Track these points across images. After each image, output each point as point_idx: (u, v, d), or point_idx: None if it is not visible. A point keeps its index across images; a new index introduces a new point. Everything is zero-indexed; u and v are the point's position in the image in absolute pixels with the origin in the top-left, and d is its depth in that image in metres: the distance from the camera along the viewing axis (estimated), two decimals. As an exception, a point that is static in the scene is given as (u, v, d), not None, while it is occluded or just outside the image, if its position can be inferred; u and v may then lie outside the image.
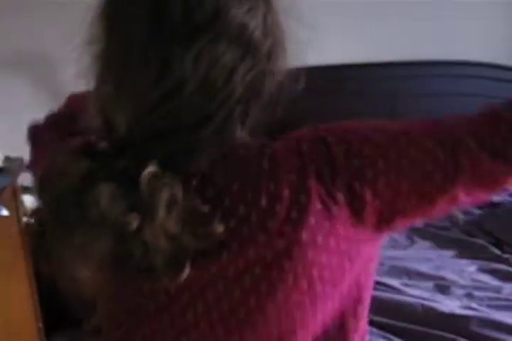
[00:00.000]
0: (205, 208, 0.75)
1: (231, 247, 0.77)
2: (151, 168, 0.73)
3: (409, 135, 0.81)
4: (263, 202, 0.76)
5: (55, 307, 2.68)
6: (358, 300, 0.88)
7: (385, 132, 0.82)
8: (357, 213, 0.78)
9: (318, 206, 0.76)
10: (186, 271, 0.75)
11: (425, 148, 0.79)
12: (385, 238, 0.87)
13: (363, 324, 0.94)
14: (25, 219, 2.39)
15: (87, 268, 0.82)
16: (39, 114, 2.84)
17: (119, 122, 0.77)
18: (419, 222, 0.86)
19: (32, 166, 1.11)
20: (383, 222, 0.80)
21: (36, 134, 1.17)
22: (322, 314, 0.82)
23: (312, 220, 0.76)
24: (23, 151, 2.32)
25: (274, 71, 0.83)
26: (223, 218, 0.76)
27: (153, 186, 0.73)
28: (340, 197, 0.77)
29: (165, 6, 0.74)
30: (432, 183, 0.78)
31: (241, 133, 0.82)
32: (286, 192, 0.76)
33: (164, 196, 0.73)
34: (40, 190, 0.80)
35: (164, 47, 0.75)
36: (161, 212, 0.72)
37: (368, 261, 0.85)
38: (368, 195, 0.77)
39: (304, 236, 0.76)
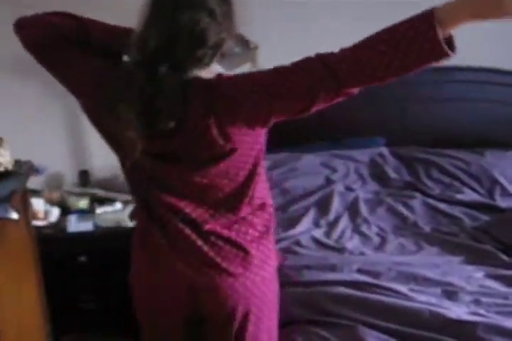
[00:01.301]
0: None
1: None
2: (164, 68, 1.42)
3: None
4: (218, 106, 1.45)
5: (65, 311, 2.69)
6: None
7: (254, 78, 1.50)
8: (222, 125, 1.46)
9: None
10: (172, 123, 1.44)
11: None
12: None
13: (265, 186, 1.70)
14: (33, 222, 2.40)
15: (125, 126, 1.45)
16: (48, 116, 2.83)
17: (151, 46, 1.42)
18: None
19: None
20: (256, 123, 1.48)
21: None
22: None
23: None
24: (32, 154, 2.34)
25: (226, 45, 1.53)
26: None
27: (162, 78, 1.42)
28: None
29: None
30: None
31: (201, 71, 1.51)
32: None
33: (168, 82, 1.42)
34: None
35: (173, 16, 1.42)
36: (164, 95, 1.42)
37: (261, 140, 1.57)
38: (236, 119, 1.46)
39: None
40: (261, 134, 1.56)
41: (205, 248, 1.61)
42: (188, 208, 1.61)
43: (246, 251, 1.63)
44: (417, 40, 1.34)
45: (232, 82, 1.48)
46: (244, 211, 1.64)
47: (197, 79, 1.49)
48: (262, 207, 1.68)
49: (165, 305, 1.75)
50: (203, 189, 1.59)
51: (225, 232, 1.62)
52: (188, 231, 1.61)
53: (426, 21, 1.35)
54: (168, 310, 1.77)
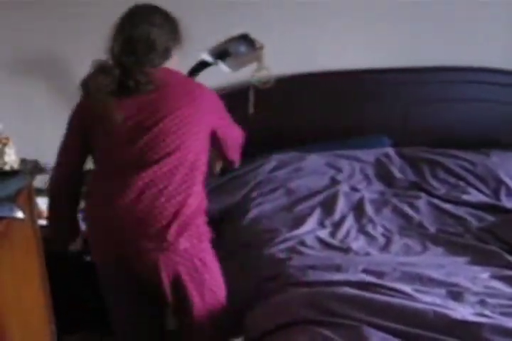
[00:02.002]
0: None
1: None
2: (129, 63, 2.05)
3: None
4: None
5: (69, 311, 2.70)
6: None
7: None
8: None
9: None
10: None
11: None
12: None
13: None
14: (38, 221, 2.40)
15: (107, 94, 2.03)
16: (55, 116, 2.84)
17: (116, 52, 2.06)
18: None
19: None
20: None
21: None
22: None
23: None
24: (38, 154, 2.34)
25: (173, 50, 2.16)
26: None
27: (130, 71, 2.03)
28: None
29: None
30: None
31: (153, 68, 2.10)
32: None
33: (134, 71, 2.04)
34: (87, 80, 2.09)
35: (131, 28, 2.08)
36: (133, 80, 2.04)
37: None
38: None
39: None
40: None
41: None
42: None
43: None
44: None
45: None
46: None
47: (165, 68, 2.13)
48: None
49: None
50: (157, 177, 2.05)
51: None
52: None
53: None
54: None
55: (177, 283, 2.09)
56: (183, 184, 2.07)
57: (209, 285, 2.14)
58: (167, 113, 2.04)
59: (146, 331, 2.30)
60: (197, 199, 2.10)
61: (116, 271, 2.16)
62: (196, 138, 2.09)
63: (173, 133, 2.04)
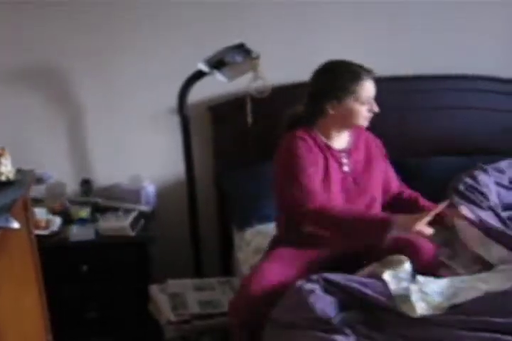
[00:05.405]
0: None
1: None
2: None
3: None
4: None
5: (67, 321, 2.69)
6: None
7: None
8: None
9: None
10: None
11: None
12: None
13: None
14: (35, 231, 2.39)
15: None
16: (51, 126, 2.83)
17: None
18: None
19: None
20: None
21: None
22: None
23: None
24: (34, 164, 2.34)
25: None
26: None
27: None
28: None
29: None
30: None
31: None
32: None
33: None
34: None
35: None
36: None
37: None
38: None
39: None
40: None
41: None
42: None
43: None
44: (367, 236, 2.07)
45: None
46: None
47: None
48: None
49: None
50: None
51: None
52: None
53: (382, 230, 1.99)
54: None
55: None
56: None
57: None
58: None
59: None
60: None
61: None
62: None
63: None
